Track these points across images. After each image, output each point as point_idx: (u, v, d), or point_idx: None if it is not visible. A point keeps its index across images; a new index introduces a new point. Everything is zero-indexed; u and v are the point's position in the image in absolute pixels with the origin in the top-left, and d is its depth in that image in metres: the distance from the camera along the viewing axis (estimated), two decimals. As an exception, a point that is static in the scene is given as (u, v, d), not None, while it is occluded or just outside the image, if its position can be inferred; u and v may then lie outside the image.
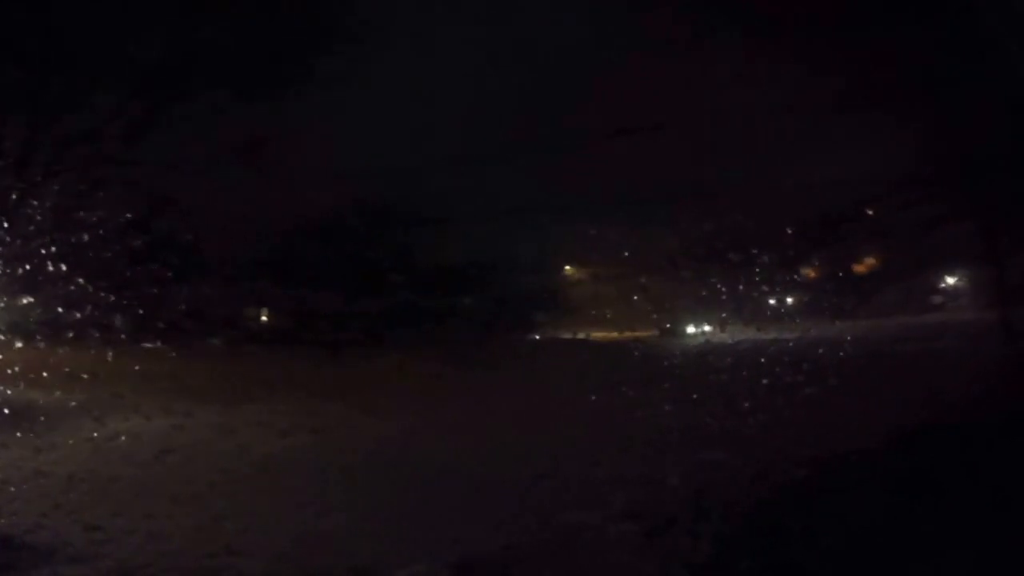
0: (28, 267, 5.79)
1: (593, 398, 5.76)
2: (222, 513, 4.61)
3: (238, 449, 5.55)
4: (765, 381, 5.52)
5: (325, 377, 6.76)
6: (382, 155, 7.51)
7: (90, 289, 5.90)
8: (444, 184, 7.45)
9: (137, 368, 5.90)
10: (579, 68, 6.82)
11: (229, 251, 7.57)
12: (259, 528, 4.48)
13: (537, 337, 7.42)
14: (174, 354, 6.18)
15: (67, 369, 5.58)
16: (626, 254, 6.64)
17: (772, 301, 6.33)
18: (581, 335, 7.08)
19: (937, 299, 7.26)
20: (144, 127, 7.38)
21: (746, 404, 5.33)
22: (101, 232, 6.14)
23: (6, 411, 5.26)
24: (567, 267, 7.54)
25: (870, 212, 6.70)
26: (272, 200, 7.80)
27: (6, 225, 5.72)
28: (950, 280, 7.19)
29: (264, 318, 8.01)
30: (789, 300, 6.41)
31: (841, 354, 5.84)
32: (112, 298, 5.95)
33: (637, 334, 6.81)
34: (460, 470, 5.09)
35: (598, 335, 7.03)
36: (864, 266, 6.96)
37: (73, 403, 5.64)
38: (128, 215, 6.45)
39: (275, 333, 7.83)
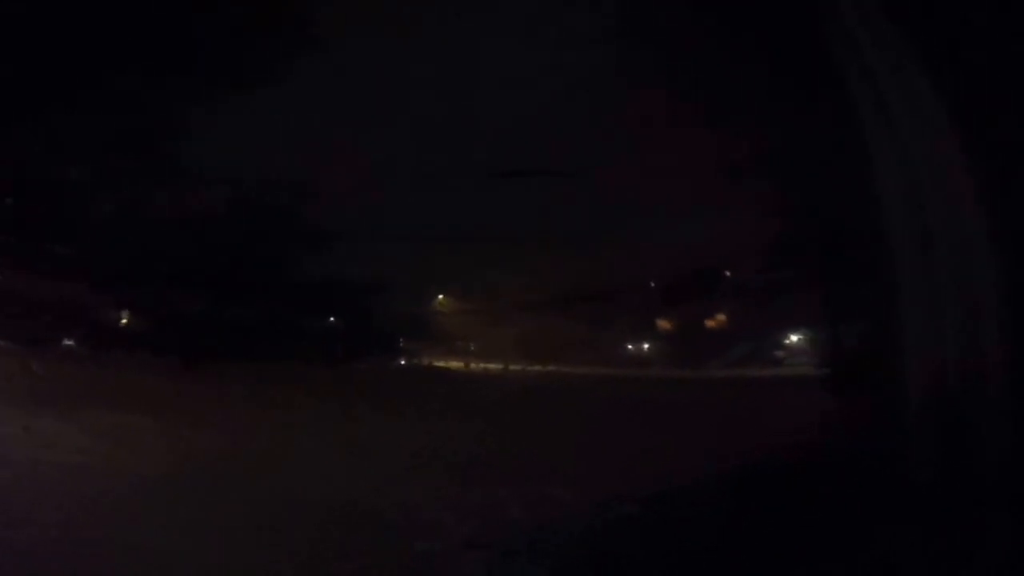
0: None
1: (446, 427, 5.86)
2: (47, 532, 4.32)
3: (62, 460, 5.22)
4: (611, 420, 5.81)
5: (175, 387, 6.48)
6: (276, 165, 7.37)
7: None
8: (330, 202, 7.40)
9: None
10: (482, 105, 7.00)
11: (98, 246, 7.17)
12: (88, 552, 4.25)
13: (400, 363, 7.45)
14: (23, 356, 5.76)
15: None
16: (498, 291, 6.86)
17: (630, 346, 6.75)
18: (443, 364, 7.20)
19: (780, 355, 7.90)
20: (33, 105, 6.87)
21: (590, 441, 5.60)
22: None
23: None
24: (439, 297, 7.65)
25: (728, 274, 7.27)
26: (152, 196, 7.47)
27: None
28: (792, 339, 7.83)
29: (124, 320, 7.60)
30: (646, 346, 6.84)
31: (686, 398, 6.25)
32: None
33: (497, 367, 7.02)
34: (309, 494, 5.02)
35: (459, 366, 7.17)
36: (716, 322, 7.50)
37: None
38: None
39: (131, 336, 7.44)
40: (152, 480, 5.10)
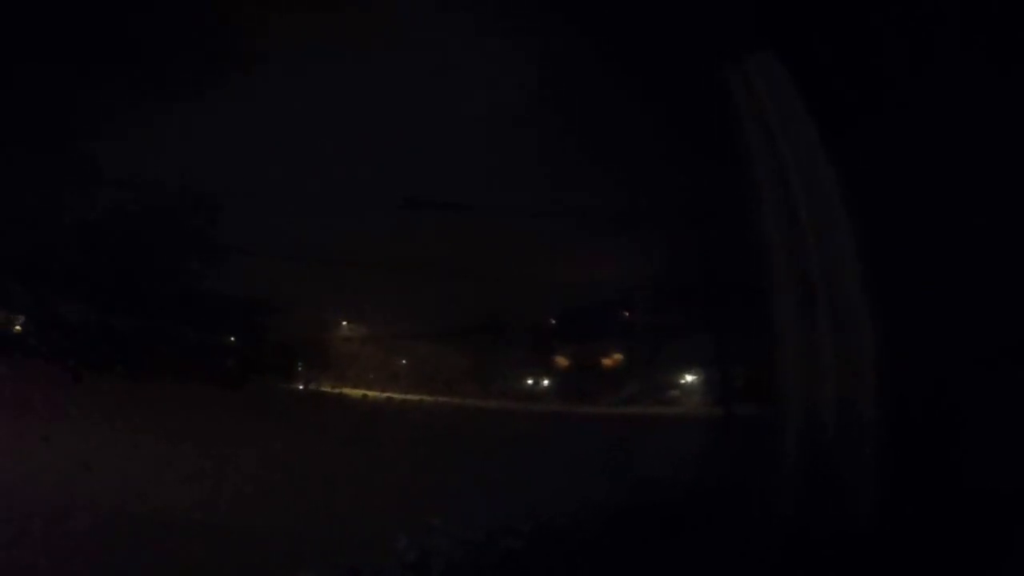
0: None
1: (333, 454, 5.83)
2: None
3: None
4: (501, 453, 5.93)
5: (57, 396, 6.17)
6: (189, 174, 7.18)
7: None
8: (236, 216, 7.25)
9: None
10: (401, 135, 7.07)
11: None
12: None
13: (294, 387, 7.32)
14: None
15: None
16: (399, 319, 6.92)
17: (527, 381, 6.93)
18: (336, 390, 7.12)
19: (674, 393, 8.22)
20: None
21: (478, 473, 5.69)
22: None
23: None
24: (339, 322, 7.59)
25: (627, 314, 7.57)
26: (55, 193, 7.15)
27: None
28: (688, 378, 8.15)
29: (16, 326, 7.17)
30: (542, 381, 7.03)
31: (576, 433, 6.44)
32: None
33: (391, 396, 7.02)
34: (180, 515, 4.88)
35: (353, 393, 7.12)
36: (612, 360, 7.75)
37: None
38: None
39: (14, 340, 7.03)
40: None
